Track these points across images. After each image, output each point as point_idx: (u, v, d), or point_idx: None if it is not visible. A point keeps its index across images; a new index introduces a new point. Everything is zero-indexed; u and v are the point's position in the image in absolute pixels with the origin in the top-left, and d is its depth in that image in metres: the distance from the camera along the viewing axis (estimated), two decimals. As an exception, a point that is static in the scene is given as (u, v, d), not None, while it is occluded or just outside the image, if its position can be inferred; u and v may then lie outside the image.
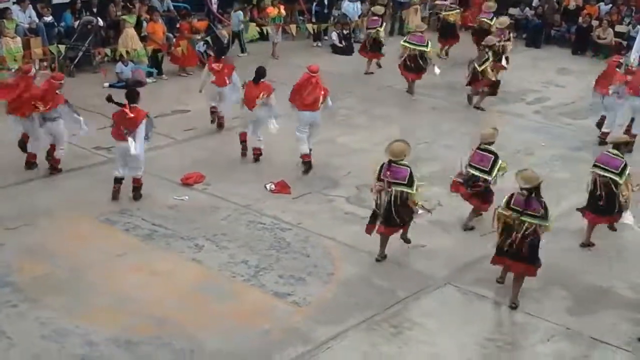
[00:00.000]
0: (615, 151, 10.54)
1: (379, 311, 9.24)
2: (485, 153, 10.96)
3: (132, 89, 11.75)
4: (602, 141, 14.10)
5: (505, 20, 18.50)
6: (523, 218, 9.06)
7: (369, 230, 10.24)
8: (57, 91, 11.86)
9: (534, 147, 14.01)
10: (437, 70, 16.85)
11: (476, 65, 15.87)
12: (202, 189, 12.11)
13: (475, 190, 10.94)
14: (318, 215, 11.55)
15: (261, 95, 12.64)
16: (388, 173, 9.91)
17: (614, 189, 10.42)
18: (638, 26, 19.25)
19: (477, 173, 10.93)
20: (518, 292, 9.45)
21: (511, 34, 18.35)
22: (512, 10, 22.38)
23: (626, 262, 10.55)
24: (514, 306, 9.40)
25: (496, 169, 10.87)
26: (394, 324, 9.05)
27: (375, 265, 10.25)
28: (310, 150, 12.96)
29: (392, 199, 9.92)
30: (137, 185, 11.59)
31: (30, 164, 12.32)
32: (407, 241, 10.56)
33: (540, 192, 9.18)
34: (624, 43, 20.68)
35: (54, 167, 12.22)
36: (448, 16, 19.99)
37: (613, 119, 14.30)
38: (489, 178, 10.89)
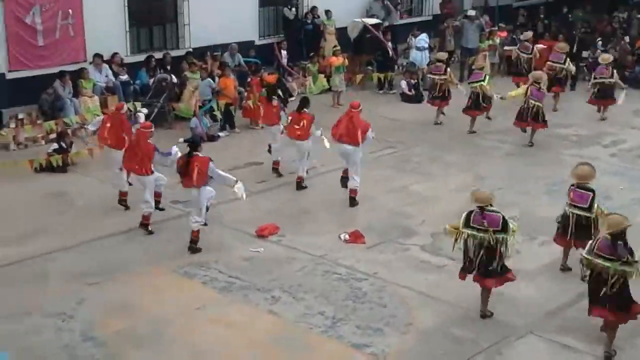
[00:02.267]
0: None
1: (459, 362, 9.08)
2: (583, 191, 10.73)
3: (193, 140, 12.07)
4: None
5: (608, 57, 18.68)
6: (607, 264, 8.82)
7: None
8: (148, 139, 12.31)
9: (612, 191, 13.70)
10: (496, 97, 16.96)
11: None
12: (277, 241, 12.16)
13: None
14: (393, 264, 11.47)
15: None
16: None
17: None
18: None
19: (578, 212, 10.68)
20: (612, 340, 9.14)
21: (614, 70, 18.28)
22: (584, 54, 22.10)
23: None
24: (607, 355, 9.10)
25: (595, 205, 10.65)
26: (480, 376, 8.88)
27: (453, 315, 10.09)
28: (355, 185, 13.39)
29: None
30: (192, 238, 11.70)
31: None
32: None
33: (625, 237, 8.93)
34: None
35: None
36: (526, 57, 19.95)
37: None
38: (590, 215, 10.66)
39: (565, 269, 11.10)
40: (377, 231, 12.54)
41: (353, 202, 13.46)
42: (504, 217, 9.78)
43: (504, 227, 9.72)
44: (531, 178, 14.75)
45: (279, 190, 14.24)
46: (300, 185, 14.16)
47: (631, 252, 8.86)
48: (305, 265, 11.36)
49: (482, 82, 17.18)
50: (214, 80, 18.08)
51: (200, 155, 11.54)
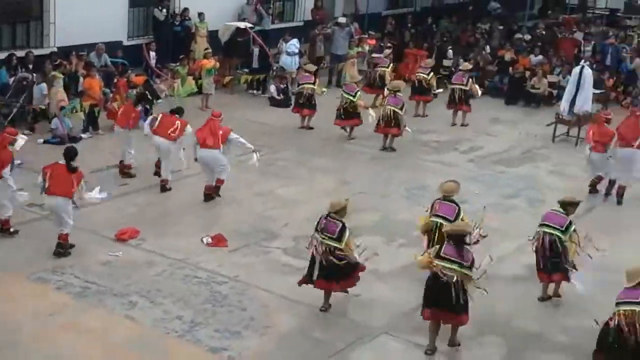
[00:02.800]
0: (561, 209, 10.60)
1: (315, 364, 9.21)
2: (449, 203, 11.05)
3: (70, 148, 11.74)
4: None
5: (467, 65, 19.77)
6: (453, 267, 9.13)
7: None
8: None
9: (469, 196, 14.19)
10: (371, 117, 17.18)
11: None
12: (137, 245, 11.98)
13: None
14: (255, 268, 11.52)
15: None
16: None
17: (559, 246, 10.44)
18: (568, 76, 19.77)
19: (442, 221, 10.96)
20: (456, 335, 9.49)
21: (471, 79, 19.15)
22: (445, 62, 22.81)
23: (557, 306, 10.68)
24: (451, 344, 9.42)
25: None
26: (331, 376, 9.03)
27: (313, 317, 10.23)
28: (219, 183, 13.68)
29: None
30: (60, 242, 11.42)
31: None
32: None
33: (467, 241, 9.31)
34: (554, 92, 21.28)
35: None
36: (382, 71, 20.40)
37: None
38: None
39: None
40: (241, 234, 12.56)
41: (207, 197, 13.66)
42: (343, 224, 10.00)
43: (340, 236, 9.94)
44: (392, 182, 15.13)
45: (141, 193, 14.04)
46: (164, 188, 14.03)
47: (472, 259, 9.22)
48: (165, 269, 11.25)
49: (353, 98, 17.41)
50: (78, 81, 17.66)
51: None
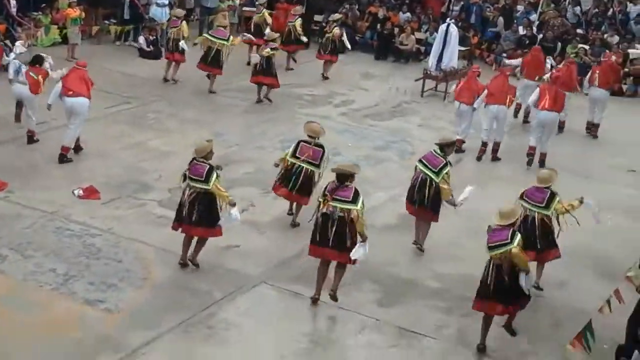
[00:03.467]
0: (440, 152, 10.85)
1: (194, 313, 9.18)
2: (316, 148, 11.23)
3: None
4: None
5: (337, 15, 20.10)
6: (333, 203, 9.25)
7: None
8: None
9: (341, 148, 14.40)
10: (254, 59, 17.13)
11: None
12: (4, 197, 11.51)
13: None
14: (129, 220, 11.33)
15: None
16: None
17: (431, 186, 10.72)
18: (435, 33, 20.23)
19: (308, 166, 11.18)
20: (339, 282, 9.56)
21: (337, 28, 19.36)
22: (317, 17, 22.88)
23: (429, 253, 11.06)
24: (332, 294, 9.50)
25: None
26: (210, 325, 9.03)
27: (190, 268, 10.15)
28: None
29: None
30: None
31: None
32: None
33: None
34: (422, 49, 21.78)
35: None
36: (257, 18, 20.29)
37: (468, 126, 14.96)
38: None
39: (293, 223, 11.57)
40: (113, 187, 12.28)
41: (62, 158, 13.01)
42: (210, 167, 9.94)
43: (208, 178, 9.86)
44: (266, 135, 15.14)
45: (8, 144, 13.47)
46: (31, 139, 13.50)
47: (356, 193, 9.32)
48: (35, 221, 10.88)
49: (225, 41, 17.20)
50: None
51: None
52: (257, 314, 9.35)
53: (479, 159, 14.85)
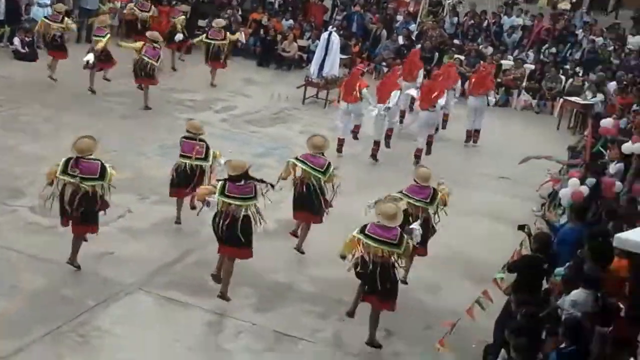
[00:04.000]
0: (319, 152, 10.96)
1: (65, 321, 8.96)
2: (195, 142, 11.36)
3: None
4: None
5: (220, 21, 19.92)
6: (237, 202, 9.39)
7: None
8: None
9: (223, 154, 14.34)
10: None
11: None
12: None
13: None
14: (1, 227, 10.96)
15: None
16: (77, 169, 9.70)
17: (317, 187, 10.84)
18: (317, 41, 20.45)
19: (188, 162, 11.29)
20: (229, 281, 9.66)
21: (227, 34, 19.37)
22: (201, 22, 22.75)
23: (305, 257, 11.15)
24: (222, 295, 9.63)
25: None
26: (82, 333, 8.84)
27: (62, 276, 9.94)
28: None
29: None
30: None
31: None
32: None
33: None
34: (304, 56, 21.98)
35: None
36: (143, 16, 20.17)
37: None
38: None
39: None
40: (-19, 193, 11.88)
41: None
42: (102, 164, 9.84)
43: (102, 174, 9.79)
44: (146, 140, 14.94)
45: None
46: None
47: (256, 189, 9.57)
48: None
49: (102, 38, 16.93)
50: None
51: None
52: (130, 321, 9.22)
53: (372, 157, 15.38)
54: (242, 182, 9.51)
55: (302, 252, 11.14)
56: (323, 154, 11.00)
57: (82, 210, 9.78)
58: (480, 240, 12.31)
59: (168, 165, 12.52)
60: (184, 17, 20.18)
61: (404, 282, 10.22)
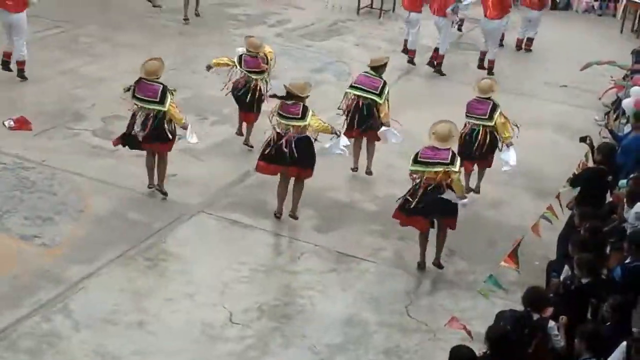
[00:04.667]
0: (374, 72, 10.79)
1: (133, 245, 9.17)
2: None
3: None
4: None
5: None
6: (284, 122, 9.52)
7: None
8: None
9: (278, 71, 14.20)
10: None
11: None
12: None
13: None
14: (63, 151, 11.17)
15: None
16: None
17: (375, 109, 10.69)
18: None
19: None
20: (299, 201, 9.83)
21: None
22: None
23: (365, 178, 11.11)
24: (293, 214, 9.82)
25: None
26: (149, 256, 9.05)
27: (128, 199, 10.13)
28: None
29: None
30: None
31: None
32: None
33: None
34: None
35: None
36: None
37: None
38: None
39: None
40: (46, 116, 12.06)
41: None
42: (164, 87, 9.86)
43: (162, 99, 9.80)
44: (202, 58, 14.83)
45: None
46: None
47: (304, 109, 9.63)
48: (-35, 156, 10.68)
49: None
50: None
51: None
52: (196, 244, 9.39)
53: (430, 64, 15.06)
54: (291, 102, 9.52)
55: (371, 173, 11.11)
56: (380, 76, 10.82)
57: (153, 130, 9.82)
58: (543, 152, 12.15)
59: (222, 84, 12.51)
60: None
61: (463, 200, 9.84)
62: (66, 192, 10.13)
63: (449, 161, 8.80)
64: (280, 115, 9.58)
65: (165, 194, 10.16)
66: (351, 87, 10.91)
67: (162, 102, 9.78)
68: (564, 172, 10.63)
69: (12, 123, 11.64)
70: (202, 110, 12.61)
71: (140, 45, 15.31)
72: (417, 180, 8.93)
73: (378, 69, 10.86)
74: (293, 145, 9.49)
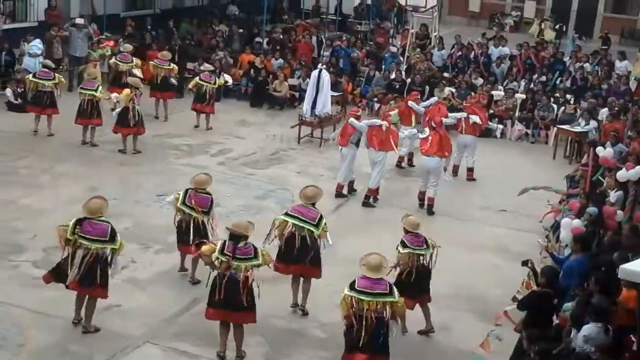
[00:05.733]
0: (310, 203, 10.85)
1: (75, 379, 8.89)
2: (204, 194, 11.28)
3: None
4: None
5: (208, 65, 19.97)
6: (235, 262, 9.33)
7: None
8: None
9: (221, 199, 14.28)
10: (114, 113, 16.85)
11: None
12: None
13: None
14: (3, 283, 10.90)
15: None
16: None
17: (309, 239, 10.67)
18: (307, 79, 20.51)
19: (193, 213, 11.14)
20: (242, 341, 9.60)
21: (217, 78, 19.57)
22: (189, 65, 22.78)
23: (313, 301, 11.04)
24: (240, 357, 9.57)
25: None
26: (93, 391, 8.76)
27: (69, 331, 9.89)
28: None
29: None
30: None
31: None
32: None
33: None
34: (296, 95, 22.03)
35: None
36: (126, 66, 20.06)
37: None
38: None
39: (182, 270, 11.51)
40: (-16, 249, 11.81)
41: None
42: (112, 227, 9.80)
43: (112, 238, 9.76)
44: (144, 187, 14.91)
45: None
46: None
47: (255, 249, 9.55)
48: None
49: (94, 92, 16.97)
50: None
51: None
52: (142, 376, 9.14)
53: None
54: (243, 244, 9.46)
55: (306, 312, 10.94)
56: (314, 205, 10.90)
57: (87, 271, 9.69)
58: (485, 275, 12.31)
59: (165, 213, 12.49)
60: (172, 65, 20.04)
61: (404, 331, 10.01)
62: (6, 326, 9.84)
63: (388, 291, 8.92)
64: (230, 257, 9.38)
65: (96, 330, 9.93)
66: (287, 214, 10.86)
67: (112, 239, 9.72)
68: (507, 295, 10.80)
69: (-52, 256, 11.37)
70: (146, 239, 12.52)
71: (81, 175, 15.28)
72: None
73: (314, 199, 10.90)
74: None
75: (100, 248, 9.70)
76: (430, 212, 14.74)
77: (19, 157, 16.01)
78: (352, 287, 8.99)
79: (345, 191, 15.35)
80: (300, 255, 10.63)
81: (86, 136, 17.11)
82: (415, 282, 10.16)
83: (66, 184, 14.66)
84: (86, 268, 9.68)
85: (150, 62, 20.15)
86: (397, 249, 10.25)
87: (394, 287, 9.07)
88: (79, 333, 9.86)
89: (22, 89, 19.29)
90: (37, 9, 23.79)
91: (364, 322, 8.83)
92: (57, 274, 9.91)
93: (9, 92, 19.48)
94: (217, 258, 9.36)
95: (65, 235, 9.71)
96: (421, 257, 10.30)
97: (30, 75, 17.73)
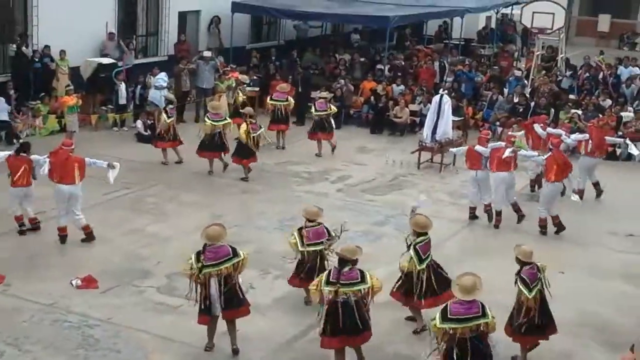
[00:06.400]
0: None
1: (196, 403, 9.07)
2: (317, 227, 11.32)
3: None
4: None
5: (325, 94, 20.12)
6: (343, 289, 9.33)
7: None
8: None
9: (338, 225, 14.34)
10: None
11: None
12: (2, 291, 11.48)
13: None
14: (128, 308, 11.26)
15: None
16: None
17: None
18: (429, 105, 20.42)
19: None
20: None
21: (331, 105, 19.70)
22: (313, 94, 23.08)
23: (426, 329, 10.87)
24: None
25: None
26: (212, 414, 8.90)
27: (191, 356, 10.08)
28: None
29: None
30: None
31: None
32: None
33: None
34: (417, 121, 21.96)
35: None
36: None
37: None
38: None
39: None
40: (112, 274, 12.24)
41: (89, 237, 13.44)
42: (231, 246, 9.96)
43: (235, 253, 9.90)
44: (265, 215, 15.15)
45: (6, 236, 13.48)
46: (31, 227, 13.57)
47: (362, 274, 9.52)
48: (33, 314, 10.81)
49: (224, 121, 17.54)
50: None
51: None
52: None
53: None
54: (347, 269, 9.46)
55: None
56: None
57: (226, 294, 9.87)
58: (613, 303, 11.79)
59: (286, 239, 12.62)
60: (290, 99, 20.34)
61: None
62: (131, 350, 10.14)
63: (481, 314, 8.74)
64: (337, 284, 9.38)
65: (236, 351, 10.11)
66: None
67: (235, 254, 9.89)
68: (636, 324, 10.31)
69: (79, 282, 11.85)
70: (266, 264, 12.69)
71: (205, 203, 15.70)
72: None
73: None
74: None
75: (228, 267, 9.83)
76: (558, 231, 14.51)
77: (148, 186, 16.59)
78: (444, 317, 8.81)
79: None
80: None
81: (212, 166, 17.58)
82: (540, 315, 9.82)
83: (190, 212, 15.08)
84: (226, 291, 9.83)
85: (268, 101, 20.45)
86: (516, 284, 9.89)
87: (486, 307, 8.83)
88: (202, 357, 10.04)
89: (152, 121, 20.06)
90: (168, 43, 24.85)
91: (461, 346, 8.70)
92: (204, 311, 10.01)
93: (139, 124, 20.29)
94: (324, 289, 9.39)
95: (192, 272, 9.84)
96: (541, 292, 9.93)
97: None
